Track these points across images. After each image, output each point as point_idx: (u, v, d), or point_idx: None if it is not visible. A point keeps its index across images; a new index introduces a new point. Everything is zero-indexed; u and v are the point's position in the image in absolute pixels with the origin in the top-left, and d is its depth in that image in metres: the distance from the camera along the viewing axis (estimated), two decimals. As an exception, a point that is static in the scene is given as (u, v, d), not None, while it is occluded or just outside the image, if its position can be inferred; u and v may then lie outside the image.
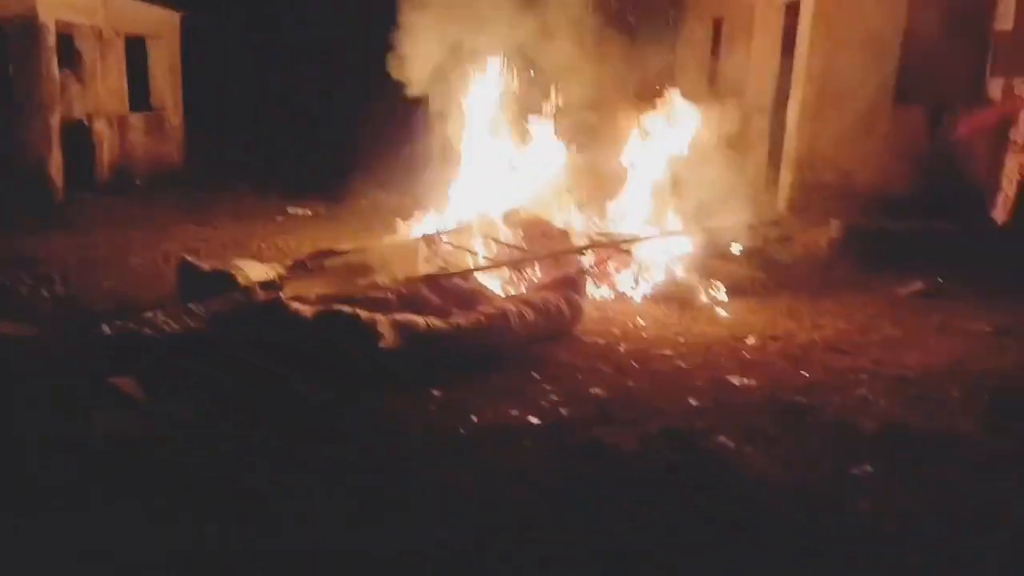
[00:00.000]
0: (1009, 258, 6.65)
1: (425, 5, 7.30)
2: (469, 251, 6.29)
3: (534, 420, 3.99)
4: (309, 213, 9.81)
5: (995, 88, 7.82)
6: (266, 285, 5.30)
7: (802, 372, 4.80)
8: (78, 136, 10.34)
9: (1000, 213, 7.13)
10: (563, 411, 4.12)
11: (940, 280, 6.50)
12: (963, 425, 4.01)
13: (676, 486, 3.37)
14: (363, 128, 12.58)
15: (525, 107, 7.65)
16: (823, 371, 4.82)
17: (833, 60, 7.97)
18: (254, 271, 5.60)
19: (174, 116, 12.87)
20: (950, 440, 3.83)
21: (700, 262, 6.84)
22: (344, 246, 6.32)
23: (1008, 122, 7.21)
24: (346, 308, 4.52)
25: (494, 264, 5.99)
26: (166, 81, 12.74)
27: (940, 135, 7.75)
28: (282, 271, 5.82)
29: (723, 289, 6.40)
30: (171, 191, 10.66)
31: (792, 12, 8.75)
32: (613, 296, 6.37)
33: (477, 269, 5.79)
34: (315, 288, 5.25)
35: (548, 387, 4.42)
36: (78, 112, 10.60)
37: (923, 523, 3.11)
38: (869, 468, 3.53)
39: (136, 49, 12.06)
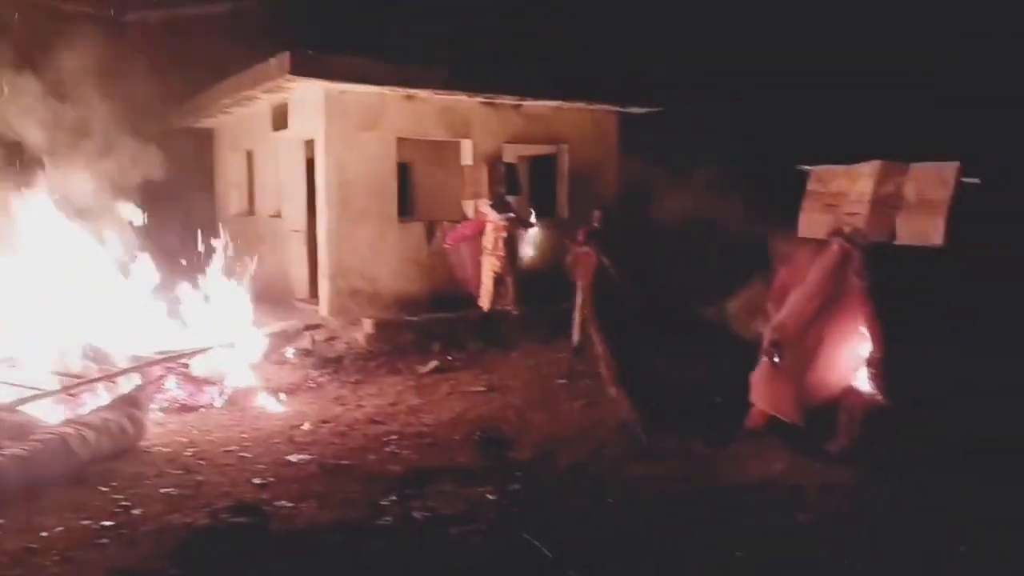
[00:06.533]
0: (492, 336, 8.86)
1: None
2: (12, 384, 6.13)
3: (107, 523, 4.34)
4: None
5: (469, 208, 10.33)
6: None
7: (346, 442, 5.93)
8: None
9: (484, 301, 9.40)
10: (135, 511, 4.53)
11: (450, 358, 8.33)
12: (460, 457, 5.55)
13: (242, 540, 4.11)
14: None
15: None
16: (363, 439, 6.03)
17: (347, 189, 9.65)
18: None
19: None
20: (449, 469, 5.24)
21: (259, 366, 7.67)
22: None
23: (481, 233, 9.59)
24: None
25: (42, 394, 5.96)
26: None
27: (435, 244, 9.94)
28: None
29: (281, 388, 7.32)
30: None
31: (312, 146, 10.22)
32: (177, 408, 6.78)
33: (21, 401, 5.74)
34: None
35: (117, 496, 4.75)
36: None
37: (428, 526, 4.38)
38: (394, 497, 4.73)
39: None
